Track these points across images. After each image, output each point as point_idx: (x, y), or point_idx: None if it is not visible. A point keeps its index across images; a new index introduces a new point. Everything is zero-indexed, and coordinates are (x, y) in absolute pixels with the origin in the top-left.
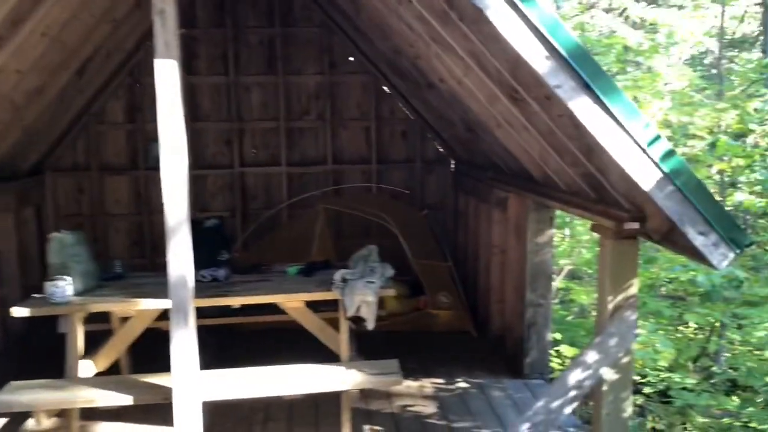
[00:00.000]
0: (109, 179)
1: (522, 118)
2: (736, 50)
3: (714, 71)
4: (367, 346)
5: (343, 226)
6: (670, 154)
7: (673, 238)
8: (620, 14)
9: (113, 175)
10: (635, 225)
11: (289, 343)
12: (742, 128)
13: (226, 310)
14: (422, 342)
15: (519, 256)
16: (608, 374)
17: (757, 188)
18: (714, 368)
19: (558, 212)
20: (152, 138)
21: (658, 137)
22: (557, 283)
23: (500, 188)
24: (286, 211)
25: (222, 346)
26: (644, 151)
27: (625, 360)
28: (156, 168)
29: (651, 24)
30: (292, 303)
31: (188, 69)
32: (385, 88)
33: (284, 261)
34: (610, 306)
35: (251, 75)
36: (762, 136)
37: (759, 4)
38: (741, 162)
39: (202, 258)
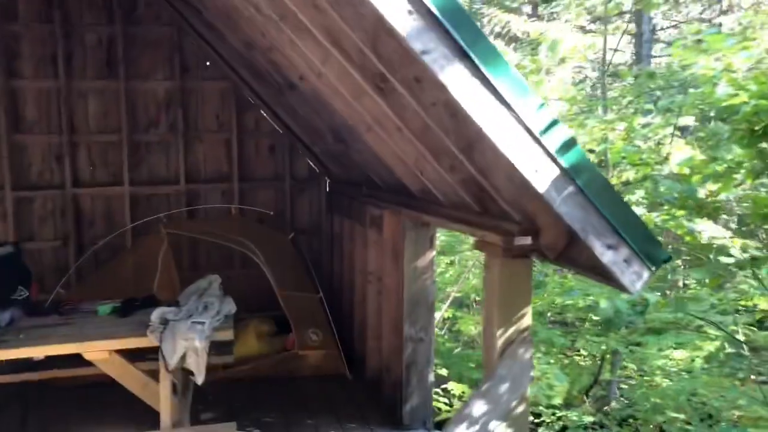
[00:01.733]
0: None
1: (392, 115)
2: (611, 78)
3: (595, 94)
4: (220, 397)
5: (198, 255)
6: (569, 144)
7: (572, 255)
8: (501, 33)
9: None
10: (526, 240)
11: (107, 403)
12: (630, 142)
13: (28, 363)
14: (288, 389)
15: (396, 283)
16: (500, 429)
17: (653, 200)
18: (609, 400)
19: (444, 232)
20: None
21: (555, 122)
22: (443, 312)
23: (375, 205)
24: (129, 239)
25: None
26: (537, 140)
27: (519, 410)
28: None
29: (533, 40)
30: (95, 353)
31: (8, 71)
32: (248, 97)
33: (120, 297)
34: (500, 341)
35: (87, 79)
36: (650, 152)
37: (632, 34)
38: (632, 175)
39: None
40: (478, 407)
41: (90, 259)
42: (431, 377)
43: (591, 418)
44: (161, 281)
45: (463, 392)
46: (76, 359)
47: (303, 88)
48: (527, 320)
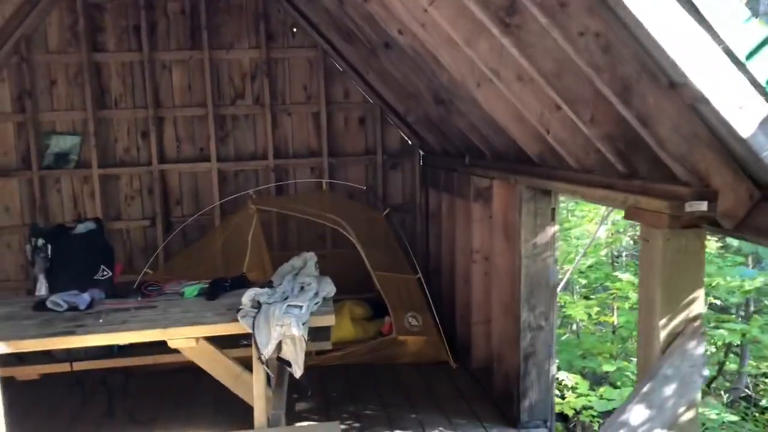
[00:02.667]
0: None
1: (519, 56)
2: None
3: None
4: (315, 386)
5: (288, 234)
6: None
7: (757, 223)
8: None
9: (1, 178)
10: (701, 206)
11: (196, 390)
12: None
13: (111, 349)
14: (386, 378)
15: (509, 263)
16: None
17: None
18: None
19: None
20: (48, 130)
21: (765, 42)
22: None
23: (481, 175)
24: (218, 218)
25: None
26: (741, 65)
27: (688, 416)
28: (54, 167)
29: None
30: (181, 340)
31: (92, 44)
32: (336, 64)
33: (208, 278)
34: (664, 333)
35: (171, 51)
36: None
37: None
38: None
39: (69, 277)
40: (637, 413)
41: (178, 238)
42: (553, 370)
43: (733, 417)
44: (252, 261)
45: (576, 383)
46: (162, 345)
47: (402, 43)
48: (699, 306)
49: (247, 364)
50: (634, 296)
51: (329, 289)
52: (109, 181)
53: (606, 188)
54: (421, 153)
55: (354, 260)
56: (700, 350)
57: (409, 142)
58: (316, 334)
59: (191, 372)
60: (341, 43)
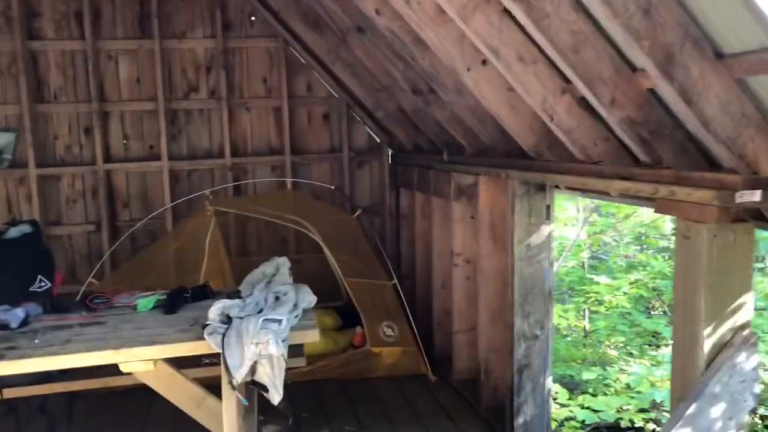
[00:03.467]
0: None
1: (532, 26)
2: None
3: None
4: (284, 404)
5: (247, 239)
6: None
7: None
8: None
9: None
10: (753, 195)
11: (149, 412)
12: None
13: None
14: (361, 394)
15: (497, 265)
16: None
17: None
18: None
19: None
20: None
21: None
22: None
23: (463, 171)
24: (170, 221)
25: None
26: None
27: None
28: None
29: None
30: (134, 363)
31: (28, 31)
32: (299, 56)
33: (163, 288)
34: (708, 344)
35: (117, 39)
36: None
37: None
38: None
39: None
40: None
41: (126, 244)
42: (549, 383)
43: None
44: (209, 268)
45: (556, 392)
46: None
47: (378, 25)
48: (747, 312)
49: (210, 385)
50: (608, 300)
51: (309, 299)
52: (48, 183)
53: (625, 179)
54: (390, 151)
55: (320, 265)
56: (752, 363)
57: (377, 140)
58: (288, 349)
59: (144, 392)
60: (306, 31)
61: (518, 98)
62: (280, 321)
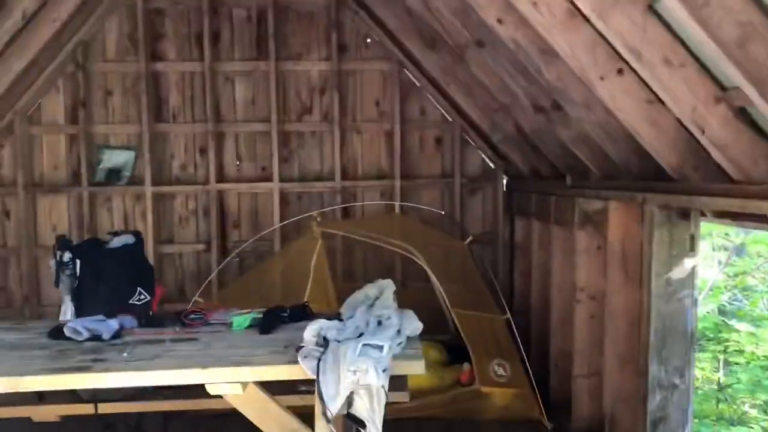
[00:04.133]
0: (44, 199)
1: (686, 16)
2: None
3: None
4: None
5: (354, 263)
6: None
7: None
8: None
9: (48, 194)
10: None
11: None
12: None
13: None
14: None
15: (629, 302)
16: None
17: None
18: None
19: None
20: (101, 144)
21: None
22: None
23: (590, 196)
24: (278, 243)
25: None
26: None
27: None
28: (105, 183)
29: None
30: (222, 385)
31: (151, 52)
32: (413, 78)
33: (263, 307)
34: None
35: (234, 60)
36: None
37: None
38: None
39: (98, 299)
40: None
41: (233, 265)
42: None
43: None
44: (314, 292)
45: None
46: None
47: (501, 35)
48: None
49: (304, 416)
50: (750, 350)
51: (414, 325)
52: (162, 201)
53: None
54: (505, 178)
55: (426, 295)
56: None
57: (492, 165)
58: (390, 382)
59: (243, 418)
60: (422, 51)
61: (659, 111)
62: (381, 347)
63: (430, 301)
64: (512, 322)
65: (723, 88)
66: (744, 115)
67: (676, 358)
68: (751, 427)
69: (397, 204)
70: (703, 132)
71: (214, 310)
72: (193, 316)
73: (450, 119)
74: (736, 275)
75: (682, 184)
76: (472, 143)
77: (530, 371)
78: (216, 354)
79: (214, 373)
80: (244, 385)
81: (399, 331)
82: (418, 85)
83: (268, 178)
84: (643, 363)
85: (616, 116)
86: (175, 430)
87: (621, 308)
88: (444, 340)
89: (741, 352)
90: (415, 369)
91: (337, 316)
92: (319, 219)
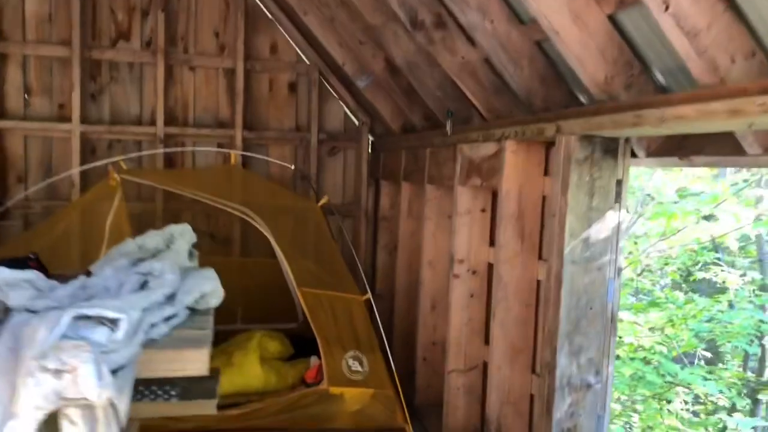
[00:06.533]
0: None
1: None
2: None
3: None
4: None
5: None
6: None
7: None
8: None
9: None
10: None
11: None
12: None
13: None
14: None
15: (525, 276)
16: None
17: None
18: None
19: None
20: None
21: None
22: None
23: (481, 138)
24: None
25: None
26: None
27: None
28: None
29: None
30: None
31: None
32: (262, 6)
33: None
34: None
35: None
36: None
37: None
38: None
39: None
40: None
41: (18, 227)
42: None
43: None
44: (110, 246)
45: None
46: None
47: None
48: None
49: None
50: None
51: (205, 289)
52: None
53: None
54: (371, 138)
55: (275, 275)
56: None
57: (356, 121)
58: (188, 386)
59: None
60: None
61: (587, 4)
62: (114, 323)
63: (279, 282)
64: (373, 304)
65: None
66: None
67: (591, 348)
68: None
69: (235, 153)
70: (667, 7)
71: None
72: None
73: (307, 62)
74: (630, 253)
75: (611, 105)
76: (333, 93)
77: (393, 366)
78: None
79: None
80: None
81: (173, 297)
82: (269, 16)
83: (67, 118)
84: (549, 355)
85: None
86: None
87: (514, 284)
88: (290, 330)
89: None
90: (197, 365)
91: (86, 273)
92: (124, 166)
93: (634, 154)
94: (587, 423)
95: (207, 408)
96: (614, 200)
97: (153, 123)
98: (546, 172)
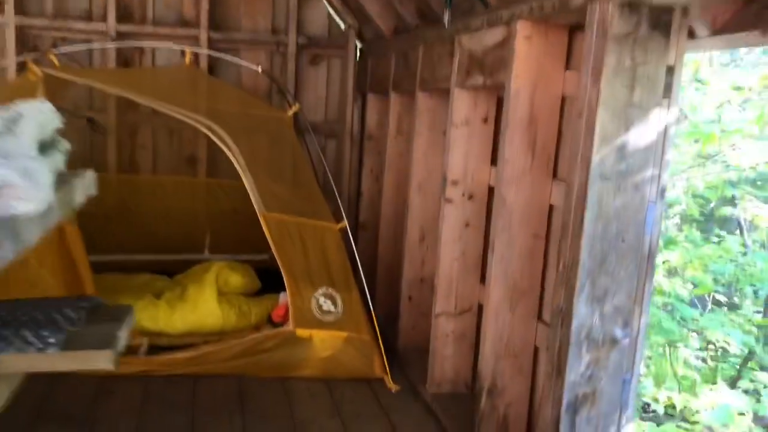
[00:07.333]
0: None
1: None
2: None
3: None
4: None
5: (136, 150)
6: None
7: None
8: None
9: None
10: None
11: None
12: None
13: None
14: (273, 407)
15: (535, 199)
16: None
17: None
18: None
19: None
20: None
21: None
22: None
23: (486, 24)
24: None
25: None
26: None
27: None
28: None
29: None
30: None
31: None
32: None
33: None
34: None
35: None
36: None
37: None
38: None
39: None
40: None
41: None
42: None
43: None
44: None
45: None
46: None
47: None
48: None
49: None
50: None
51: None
52: None
53: None
54: (359, 45)
55: (247, 199)
56: None
57: (341, 24)
58: (75, 332)
59: None
60: None
61: None
62: None
63: (251, 207)
64: (349, 234)
65: None
66: None
67: (621, 293)
68: None
69: (199, 51)
70: None
71: None
72: None
73: None
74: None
75: None
76: None
77: (372, 307)
78: None
79: None
80: None
81: None
82: None
83: None
84: (563, 300)
85: None
86: None
87: (520, 209)
88: (258, 262)
89: None
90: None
91: None
92: (56, 62)
93: (691, 34)
94: (609, 388)
95: (101, 361)
96: (663, 94)
97: (104, 19)
98: (568, 66)
